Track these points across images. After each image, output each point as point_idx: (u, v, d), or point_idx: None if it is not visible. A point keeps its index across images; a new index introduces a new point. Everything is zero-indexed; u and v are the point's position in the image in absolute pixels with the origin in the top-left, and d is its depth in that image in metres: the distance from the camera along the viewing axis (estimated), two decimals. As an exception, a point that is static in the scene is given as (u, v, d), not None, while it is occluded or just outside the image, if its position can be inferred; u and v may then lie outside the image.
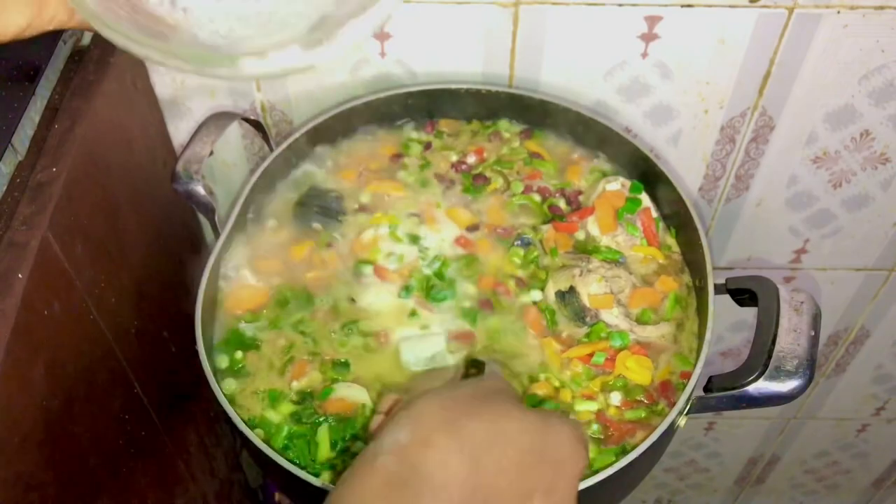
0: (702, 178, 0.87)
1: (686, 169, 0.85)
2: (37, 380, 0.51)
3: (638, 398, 0.60)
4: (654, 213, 0.70)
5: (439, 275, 0.66)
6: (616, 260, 0.67)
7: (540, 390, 0.60)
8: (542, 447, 0.42)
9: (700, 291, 0.65)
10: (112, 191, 0.65)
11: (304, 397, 0.60)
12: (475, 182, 0.72)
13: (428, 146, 0.75)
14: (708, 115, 0.80)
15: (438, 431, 0.41)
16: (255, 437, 0.56)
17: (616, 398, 0.60)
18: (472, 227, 0.69)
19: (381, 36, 0.73)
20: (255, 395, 0.61)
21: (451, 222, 0.69)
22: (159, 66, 0.61)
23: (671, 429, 0.58)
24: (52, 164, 0.56)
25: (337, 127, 0.74)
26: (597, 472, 0.54)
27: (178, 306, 0.64)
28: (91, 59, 0.65)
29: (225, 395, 0.59)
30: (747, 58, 0.74)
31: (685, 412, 0.59)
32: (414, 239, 0.68)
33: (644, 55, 0.74)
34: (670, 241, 0.69)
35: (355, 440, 0.58)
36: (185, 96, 0.77)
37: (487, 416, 0.42)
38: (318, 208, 0.70)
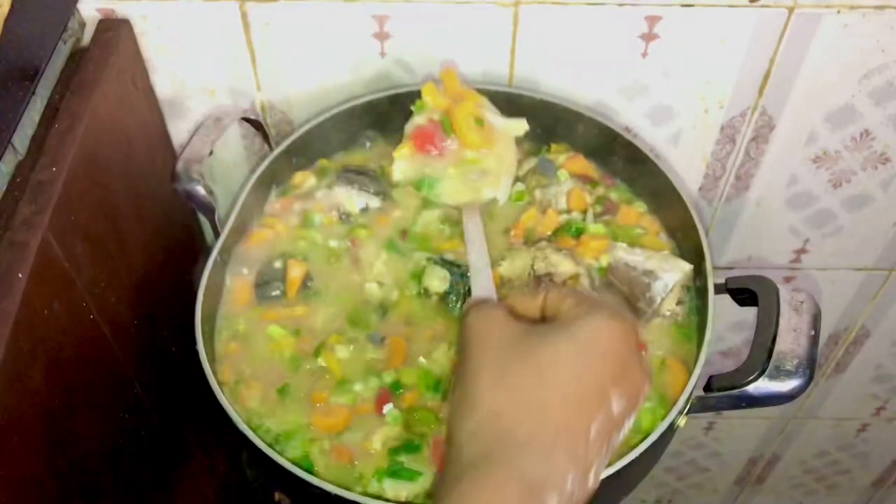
0: (702, 178, 0.87)
1: (686, 169, 0.85)
2: (37, 380, 0.51)
3: None
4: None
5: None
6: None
7: None
8: (594, 352, 0.44)
9: (700, 291, 0.65)
10: (112, 191, 0.64)
11: None
12: None
13: None
14: (708, 115, 0.80)
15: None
16: (255, 437, 0.56)
17: None
18: None
19: (381, 36, 0.73)
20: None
21: None
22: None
23: (671, 429, 0.58)
24: (52, 164, 0.56)
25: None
26: (597, 472, 0.54)
27: (178, 306, 0.64)
28: (91, 59, 0.65)
29: (224, 394, 0.59)
30: (747, 58, 0.74)
31: (685, 412, 0.59)
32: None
33: (644, 55, 0.74)
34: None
35: None
36: (185, 96, 0.77)
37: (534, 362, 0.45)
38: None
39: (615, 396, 0.44)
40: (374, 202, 0.70)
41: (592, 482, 0.43)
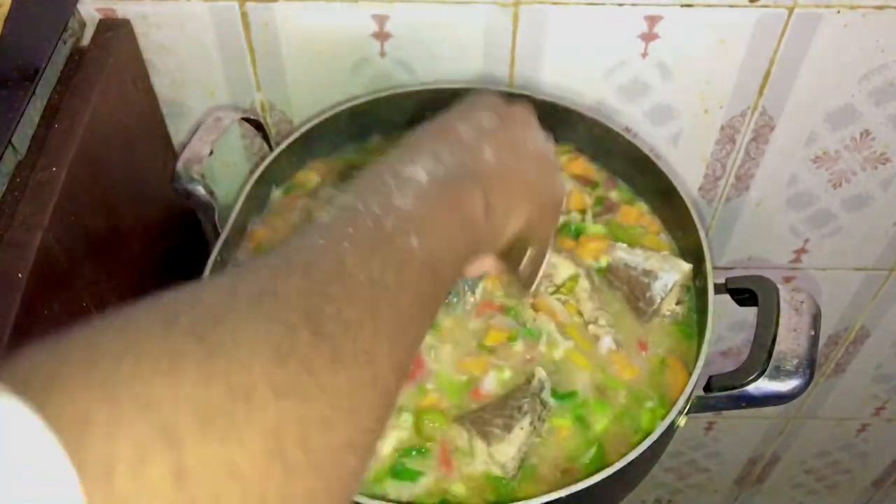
0: (702, 178, 0.87)
1: (686, 169, 0.85)
2: (37, 380, 0.51)
3: None
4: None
5: None
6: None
7: None
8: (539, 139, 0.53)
9: (700, 291, 0.65)
10: (112, 191, 0.64)
11: None
12: None
13: None
14: (708, 115, 0.80)
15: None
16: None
17: None
18: None
19: (381, 36, 0.73)
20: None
21: None
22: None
23: (671, 429, 0.58)
24: (52, 164, 0.56)
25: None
26: (597, 472, 0.54)
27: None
28: (91, 59, 0.65)
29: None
30: (747, 58, 0.74)
31: (685, 412, 0.59)
32: None
33: (644, 55, 0.74)
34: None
35: None
36: (185, 96, 0.77)
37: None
38: None
39: (547, 170, 0.51)
40: None
41: (493, 162, 0.46)
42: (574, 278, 0.64)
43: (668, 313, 0.64)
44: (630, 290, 0.65)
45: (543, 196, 0.51)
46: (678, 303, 0.64)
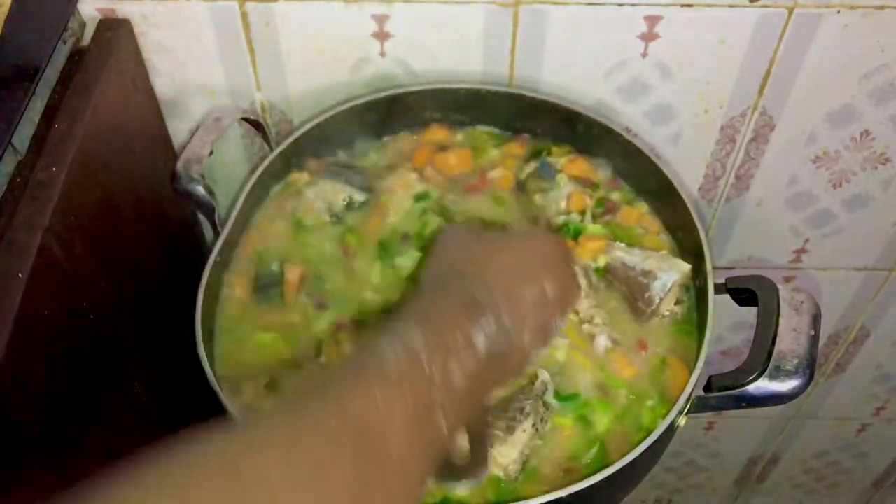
0: (702, 178, 0.87)
1: (686, 169, 0.85)
2: (37, 380, 0.51)
3: None
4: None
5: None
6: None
7: None
8: (534, 246, 0.55)
9: (700, 291, 0.65)
10: (112, 191, 0.64)
11: None
12: None
13: None
14: (708, 115, 0.80)
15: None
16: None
17: None
18: None
19: (381, 36, 0.73)
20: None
21: None
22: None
23: (671, 429, 0.58)
24: (52, 164, 0.56)
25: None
26: (597, 471, 0.54)
27: (178, 306, 0.64)
28: (91, 59, 0.65)
29: (224, 394, 0.59)
30: (747, 58, 0.74)
31: (685, 412, 0.59)
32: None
33: (644, 55, 0.74)
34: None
35: None
36: (185, 96, 0.77)
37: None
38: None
39: (548, 280, 0.52)
40: (359, 196, 0.70)
41: (528, 342, 0.50)
42: None
43: (667, 313, 0.64)
44: (629, 290, 0.65)
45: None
46: (677, 303, 0.64)
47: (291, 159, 0.73)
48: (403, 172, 0.71)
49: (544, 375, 0.60)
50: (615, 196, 0.73)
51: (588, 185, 0.72)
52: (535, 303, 0.51)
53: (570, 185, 0.71)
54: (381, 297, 0.66)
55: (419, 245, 0.67)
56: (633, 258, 0.65)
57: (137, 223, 0.69)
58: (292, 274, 0.66)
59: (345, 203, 0.70)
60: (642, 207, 0.72)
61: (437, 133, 0.76)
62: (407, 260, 0.67)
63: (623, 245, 0.66)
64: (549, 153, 0.74)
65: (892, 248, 0.95)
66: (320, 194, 0.70)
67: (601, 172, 0.74)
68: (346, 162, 0.74)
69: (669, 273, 0.64)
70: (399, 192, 0.70)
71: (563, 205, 0.70)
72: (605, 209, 0.71)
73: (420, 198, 0.70)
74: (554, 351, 0.62)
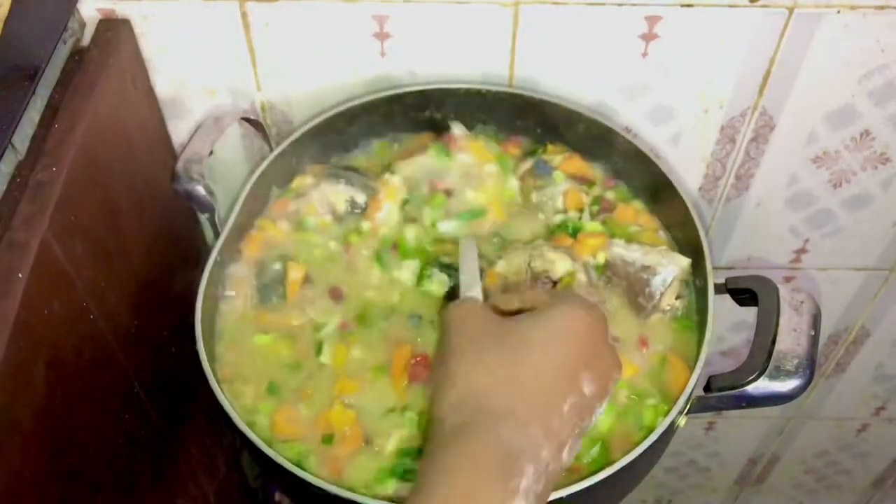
0: (702, 178, 0.87)
1: (686, 169, 0.85)
2: (37, 380, 0.51)
3: None
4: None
5: None
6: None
7: None
8: (565, 336, 0.48)
9: (700, 291, 0.65)
10: (112, 191, 0.64)
11: None
12: None
13: None
14: (708, 115, 0.80)
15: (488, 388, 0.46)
16: (255, 436, 0.56)
17: None
18: None
19: (381, 36, 0.73)
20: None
21: None
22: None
23: (671, 429, 0.58)
24: (52, 164, 0.56)
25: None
26: (597, 472, 0.54)
27: (178, 306, 0.64)
28: (91, 59, 0.65)
29: (224, 394, 0.59)
30: (747, 58, 0.74)
31: (685, 412, 0.59)
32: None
33: (644, 55, 0.74)
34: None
35: None
36: (185, 96, 0.77)
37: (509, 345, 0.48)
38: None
39: (586, 378, 0.46)
40: (361, 198, 0.70)
41: (567, 458, 0.46)
42: (571, 274, 0.64)
43: (667, 308, 0.64)
44: (629, 286, 0.65)
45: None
46: (678, 297, 0.64)
47: (291, 160, 0.73)
48: (388, 178, 0.71)
49: None
50: (610, 195, 0.73)
51: (584, 182, 0.72)
52: (576, 412, 0.46)
53: (566, 182, 0.71)
54: (382, 297, 0.66)
55: (404, 255, 0.67)
56: (632, 254, 0.65)
57: (137, 223, 0.69)
58: (295, 273, 0.66)
59: (347, 205, 0.70)
60: (638, 205, 0.72)
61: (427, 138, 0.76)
62: (405, 273, 0.67)
63: (622, 241, 0.66)
64: (545, 151, 0.74)
65: (892, 248, 0.95)
66: (323, 197, 0.70)
67: (598, 170, 0.74)
68: (347, 164, 0.74)
69: (669, 268, 0.64)
70: (386, 200, 0.70)
71: (559, 202, 0.70)
72: (601, 207, 0.71)
73: (407, 202, 0.70)
74: None
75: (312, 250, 0.68)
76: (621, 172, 0.74)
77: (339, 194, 0.70)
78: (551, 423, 0.44)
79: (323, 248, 0.68)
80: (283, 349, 0.63)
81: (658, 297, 0.63)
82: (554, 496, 0.52)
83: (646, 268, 0.64)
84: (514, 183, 0.72)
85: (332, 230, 0.70)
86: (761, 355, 0.58)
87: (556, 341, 0.47)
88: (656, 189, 0.71)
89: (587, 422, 0.47)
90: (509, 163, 0.73)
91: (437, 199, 0.70)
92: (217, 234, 0.66)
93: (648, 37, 0.72)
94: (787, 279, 0.99)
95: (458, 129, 0.72)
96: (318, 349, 0.63)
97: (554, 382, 0.46)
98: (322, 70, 0.76)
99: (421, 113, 0.76)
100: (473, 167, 0.71)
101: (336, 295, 0.65)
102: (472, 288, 0.57)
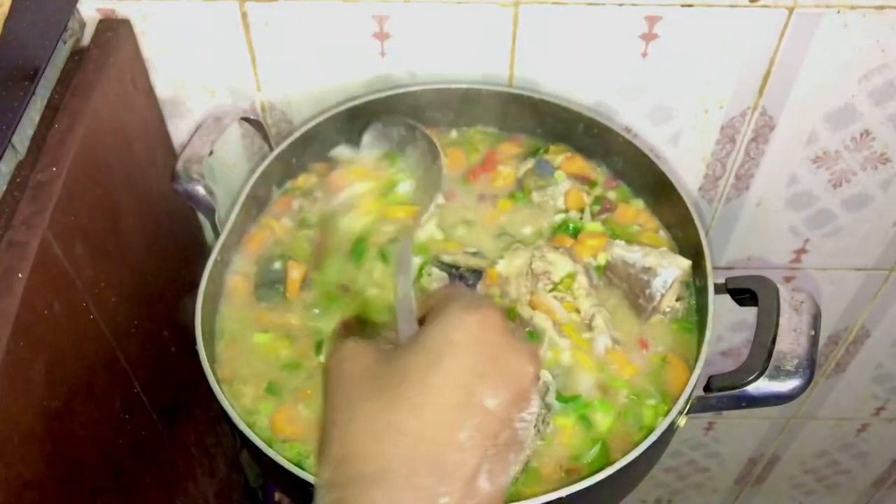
0: (702, 178, 0.87)
1: (686, 169, 0.85)
2: (37, 380, 0.51)
3: None
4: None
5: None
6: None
7: None
8: (448, 353, 0.41)
9: (700, 291, 0.65)
10: (112, 191, 0.64)
11: None
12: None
13: None
14: (708, 115, 0.80)
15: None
16: (255, 437, 0.56)
17: None
18: None
19: (381, 36, 0.73)
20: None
21: None
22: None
23: (671, 429, 0.58)
24: (52, 164, 0.56)
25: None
26: (597, 472, 0.54)
27: (178, 306, 0.64)
28: (91, 59, 0.65)
29: (224, 394, 0.59)
30: (747, 58, 0.74)
31: (685, 412, 0.59)
32: None
33: (644, 55, 0.74)
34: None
35: None
36: (185, 96, 0.77)
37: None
38: None
39: (484, 392, 0.40)
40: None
41: (489, 485, 0.40)
42: (571, 275, 0.64)
43: (668, 310, 0.64)
44: (629, 288, 0.65)
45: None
46: (678, 299, 0.65)
47: (291, 159, 0.73)
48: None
49: (546, 377, 0.60)
50: (612, 195, 0.73)
51: (586, 182, 0.72)
52: (483, 434, 0.39)
53: (567, 182, 0.71)
54: (383, 294, 0.66)
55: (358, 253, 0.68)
56: (633, 255, 0.65)
57: (137, 223, 0.69)
58: (295, 271, 0.66)
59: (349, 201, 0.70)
60: (639, 205, 0.72)
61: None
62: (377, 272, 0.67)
63: (623, 242, 0.66)
64: (547, 151, 0.74)
65: (892, 248, 0.95)
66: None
67: (599, 170, 0.74)
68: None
69: (670, 269, 0.64)
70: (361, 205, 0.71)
71: (560, 202, 0.70)
72: (602, 207, 0.71)
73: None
74: (558, 353, 0.62)
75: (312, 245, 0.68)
76: (621, 172, 0.74)
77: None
78: (446, 461, 0.39)
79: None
80: (282, 349, 0.63)
81: (658, 298, 0.63)
82: (554, 496, 0.53)
83: (646, 269, 0.64)
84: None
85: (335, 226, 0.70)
86: (761, 355, 0.58)
87: (437, 364, 0.40)
88: (656, 189, 0.71)
89: (508, 435, 0.41)
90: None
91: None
92: (217, 234, 0.66)
93: (648, 37, 0.72)
94: (787, 279, 0.99)
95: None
96: (318, 349, 0.63)
97: (440, 414, 0.39)
98: (322, 70, 0.76)
99: (421, 113, 0.76)
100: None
101: (346, 288, 0.65)
102: (406, 293, 0.50)
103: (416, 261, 0.67)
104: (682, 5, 0.70)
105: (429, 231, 0.68)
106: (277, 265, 0.66)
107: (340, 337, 0.56)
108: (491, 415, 0.40)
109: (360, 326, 0.63)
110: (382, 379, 0.42)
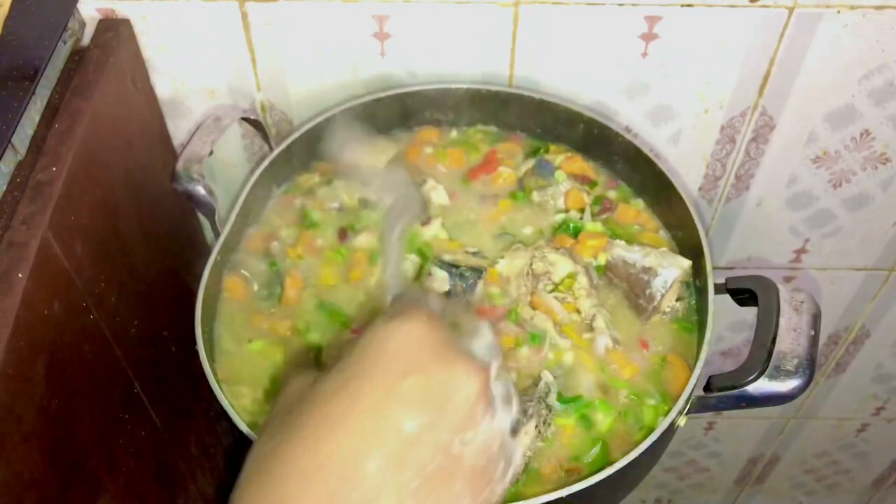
0: (702, 178, 0.87)
1: (686, 169, 0.85)
2: (37, 380, 0.51)
3: None
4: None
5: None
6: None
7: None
8: (369, 374, 0.37)
9: (700, 291, 0.65)
10: (112, 191, 0.64)
11: None
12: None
13: None
14: (708, 115, 0.80)
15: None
16: (255, 437, 0.56)
17: None
18: None
19: (381, 36, 0.73)
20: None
21: None
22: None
23: (671, 429, 0.58)
24: (52, 164, 0.56)
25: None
26: (597, 472, 0.54)
27: (177, 306, 0.64)
28: (91, 59, 0.65)
29: (224, 394, 0.59)
30: (747, 58, 0.74)
31: (685, 412, 0.59)
32: None
33: (644, 55, 0.74)
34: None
35: None
36: (185, 96, 0.77)
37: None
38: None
39: (402, 413, 0.35)
40: (372, 196, 0.71)
41: None
42: (572, 276, 0.64)
43: (668, 310, 0.64)
44: (630, 288, 0.65)
45: None
46: (678, 299, 0.65)
47: (292, 159, 0.73)
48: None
49: (547, 377, 0.60)
50: (612, 195, 0.73)
51: (586, 182, 0.72)
52: (398, 464, 0.34)
53: (568, 181, 0.71)
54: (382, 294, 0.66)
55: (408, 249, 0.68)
56: (633, 255, 0.65)
57: (137, 223, 0.69)
58: (294, 274, 0.66)
59: (357, 202, 0.70)
60: (639, 205, 0.72)
61: (429, 133, 0.77)
62: (406, 265, 0.67)
63: (623, 242, 0.66)
64: (547, 151, 0.74)
65: (892, 248, 0.95)
66: (332, 194, 0.70)
67: (599, 170, 0.74)
68: (353, 163, 0.75)
69: (670, 269, 0.64)
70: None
71: (560, 202, 0.70)
72: (602, 207, 0.71)
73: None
74: (559, 354, 0.62)
75: (314, 245, 0.68)
76: (621, 172, 0.74)
77: (353, 192, 0.71)
78: (348, 500, 0.34)
79: (328, 241, 0.69)
80: (277, 354, 0.63)
81: (659, 298, 0.63)
82: (554, 496, 0.53)
83: (647, 269, 0.64)
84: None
85: (335, 222, 0.70)
86: (761, 355, 0.58)
87: (344, 387, 0.36)
88: (656, 189, 0.71)
89: (443, 463, 0.35)
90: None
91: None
92: (217, 234, 0.66)
93: (648, 37, 0.72)
94: (787, 279, 0.99)
95: None
96: (317, 355, 0.62)
97: (342, 445, 0.35)
98: (322, 70, 0.76)
99: (421, 113, 0.76)
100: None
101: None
102: (396, 291, 0.48)
103: (414, 259, 0.67)
104: (682, 5, 0.70)
105: (433, 230, 0.68)
106: (277, 266, 0.66)
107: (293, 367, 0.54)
108: (411, 439, 0.35)
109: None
110: (293, 411, 0.37)
